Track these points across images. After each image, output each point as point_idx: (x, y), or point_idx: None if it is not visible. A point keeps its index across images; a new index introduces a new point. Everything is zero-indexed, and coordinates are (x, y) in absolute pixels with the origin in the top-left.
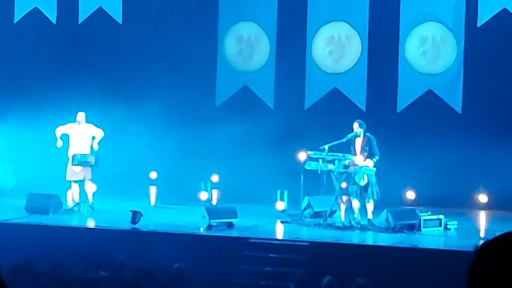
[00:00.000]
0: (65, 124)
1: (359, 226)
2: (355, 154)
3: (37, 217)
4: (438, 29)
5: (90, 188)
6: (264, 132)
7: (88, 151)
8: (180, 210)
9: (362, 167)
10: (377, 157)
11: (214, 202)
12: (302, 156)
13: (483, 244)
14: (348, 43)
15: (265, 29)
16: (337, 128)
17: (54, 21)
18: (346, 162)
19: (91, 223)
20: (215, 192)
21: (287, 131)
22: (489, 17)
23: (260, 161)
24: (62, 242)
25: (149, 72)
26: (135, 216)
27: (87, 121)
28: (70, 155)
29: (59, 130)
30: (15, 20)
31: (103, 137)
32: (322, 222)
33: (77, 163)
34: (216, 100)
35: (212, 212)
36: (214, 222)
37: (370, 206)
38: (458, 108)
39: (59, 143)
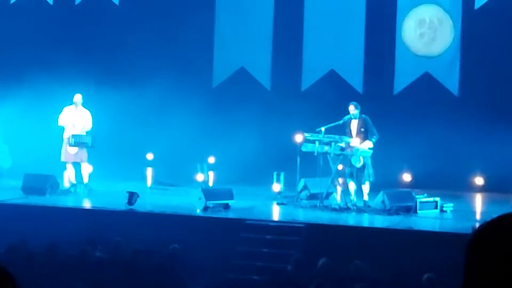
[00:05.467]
0: (60, 110)
1: (355, 208)
2: (352, 136)
3: (33, 198)
4: (435, 12)
5: (87, 169)
6: (261, 114)
7: (83, 133)
8: (176, 192)
9: (358, 149)
10: (375, 137)
11: (210, 183)
12: (298, 138)
13: (480, 225)
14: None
15: (263, 10)
16: (334, 110)
17: (51, 2)
18: (343, 144)
19: (87, 204)
20: (211, 174)
21: (284, 113)
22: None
23: (256, 143)
24: (59, 223)
25: (145, 53)
26: (132, 197)
27: (85, 103)
28: (65, 136)
29: (62, 121)
30: (12, 1)
31: (96, 121)
32: (318, 204)
33: (74, 144)
34: (213, 82)
35: (209, 193)
36: (210, 203)
37: (366, 188)
38: (455, 91)
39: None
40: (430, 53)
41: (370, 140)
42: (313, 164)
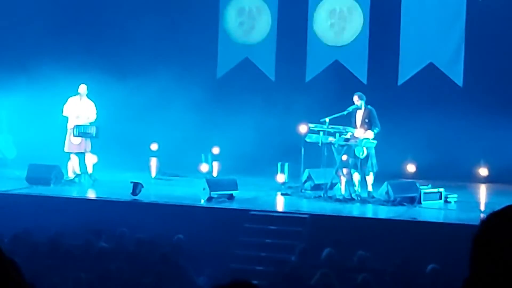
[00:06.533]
0: (65, 100)
1: (359, 198)
2: (356, 127)
3: (38, 188)
4: (439, 2)
5: (91, 159)
6: (265, 104)
7: (87, 123)
8: (180, 182)
9: (362, 139)
10: (377, 129)
11: (214, 174)
12: (303, 128)
13: (488, 215)
14: (350, 16)
15: (266, 0)
16: (338, 101)
17: None
18: (348, 135)
19: (92, 194)
20: (215, 164)
21: (288, 103)
22: None
23: (261, 134)
24: (63, 213)
25: (150, 44)
26: (136, 187)
27: (89, 94)
28: (70, 126)
29: (66, 111)
30: None
31: (101, 112)
32: (322, 195)
33: (78, 135)
34: (217, 72)
35: (213, 184)
36: (214, 194)
37: (370, 178)
38: (459, 81)
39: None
40: (436, 44)
41: (372, 130)
42: (317, 155)
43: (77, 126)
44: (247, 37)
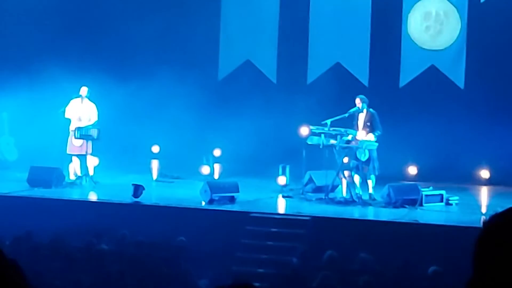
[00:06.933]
0: (67, 102)
1: (360, 201)
2: (357, 129)
3: (39, 190)
4: (441, 4)
5: (92, 161)
6: (266, 106)
7: (89, 125)
8: (182, 184)
9: (364, 142)
10: (378, 132)
11: (216, 176)
12: (304, 130)
13: (491, 217)
14: (351, 18)
15: (269, 4)
16: (340, 103)
17: None
18: (349, 137)
19: (93, 197)
20: (217, 166)
21: (289, 106)
22: None
23: (262, 136)
24: (64, 215)
25: (151, 46)
26: (137, 189)
27: (91, 96)
28: (71, 128)
29: (68, 113)
30: None
31: (102, 114)
32: (323, 197)
33: (79, 137)
34: (219, 74)
35: (214, 186)
36: (216, 196)
37: (371, 181)
38: (461, 84)
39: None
40: (436, 46)
41: (374, 134)
42: (318, 157)
43: (79, 128)
44: (249, 39)
